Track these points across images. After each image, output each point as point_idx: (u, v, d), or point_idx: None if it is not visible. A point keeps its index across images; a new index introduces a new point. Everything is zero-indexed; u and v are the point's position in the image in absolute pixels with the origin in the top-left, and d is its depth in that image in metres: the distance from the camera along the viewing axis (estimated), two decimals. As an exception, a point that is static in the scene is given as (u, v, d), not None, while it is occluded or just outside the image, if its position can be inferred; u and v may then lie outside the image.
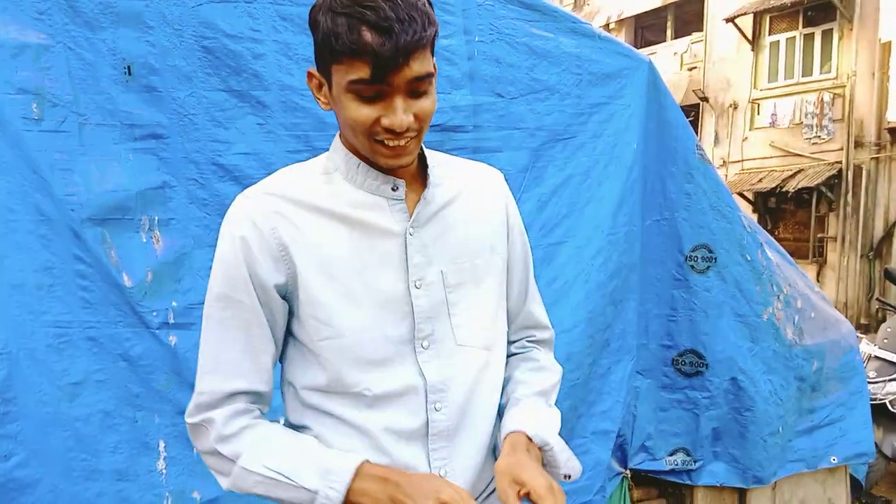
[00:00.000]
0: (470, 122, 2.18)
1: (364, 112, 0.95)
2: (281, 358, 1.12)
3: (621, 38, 19.08)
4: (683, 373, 2.73)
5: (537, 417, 1.14)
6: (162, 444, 1.72)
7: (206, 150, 1.81)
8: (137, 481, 1.67)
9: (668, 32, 18.00)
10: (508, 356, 1.28)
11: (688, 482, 2.80)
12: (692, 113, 16.21)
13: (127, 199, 1.70)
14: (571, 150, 2.38)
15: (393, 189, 1.06)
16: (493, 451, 1.18)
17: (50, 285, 1.60)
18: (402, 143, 0.98)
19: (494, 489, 1.16)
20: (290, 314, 1.06)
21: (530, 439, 1.09)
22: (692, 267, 2.66)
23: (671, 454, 2.77)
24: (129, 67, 1.72)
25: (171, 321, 1.74)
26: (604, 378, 2.52)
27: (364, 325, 1.03)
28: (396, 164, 1.01)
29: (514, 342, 1.31)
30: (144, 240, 1.73)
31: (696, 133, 15.97)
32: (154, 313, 1.72)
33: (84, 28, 1.66)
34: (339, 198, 1.05)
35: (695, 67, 16.37)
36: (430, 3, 0.99)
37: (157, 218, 1.75)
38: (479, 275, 1.14)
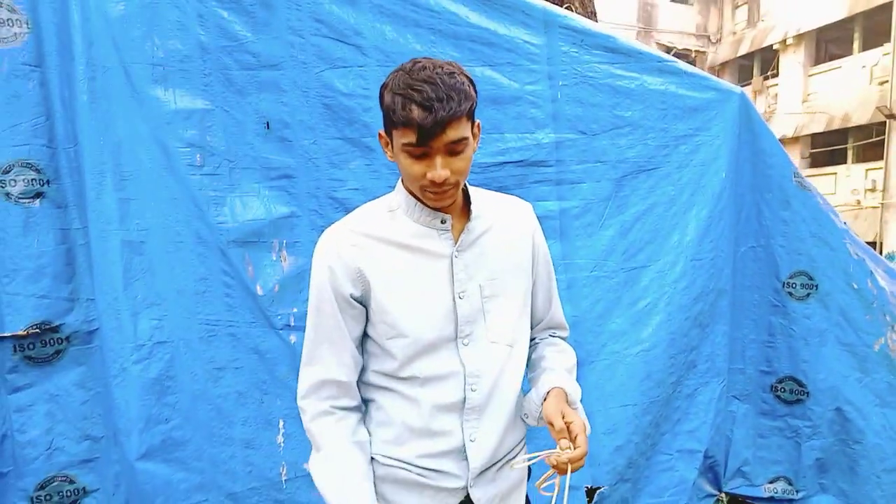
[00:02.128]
0: (552, 157, 2.42)
1: (415, 168, 1.26)
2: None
3: (800, 53, 17.85)
4: (783, 400, 2.73)
5: (570, 384, 1.41)
6: (281, 423, 2.14)
7: (324, 186, 2.23)
8: (261, 450, 2.10)
9: (856, 45, 16.59)
10: (535, 343, 1.58)
11: (791, 512, 2.77)
12: (880, 131, 14.79)
13: (262, 226, 2.15)
14: (656, 180, 2.54)
15: (442, 222, 1.37)
16: (514, 425, 1.44)
17: (203, 292, 2.08)
18: (442, 190, 1.27)
19: (516, 454, 1.45)
20: (366, 320, 1.40)
21: (566, 396, 1.36)
22: (790, 294, 2.67)
23: (771, 482, 2.77)
24: (267, 123, 2.18)
25: (292, 324, 2.17)
26: (690, 398, 2.60)
27: (421, 326, 1.34)
28: (440, 205, 1.32)
29: (538, 336, 1.57)
30: (274, 258, 2.18)
31: (884, 154, 14.52)
32: (279, 317, 2.15)
33: (236, 94, 2.15)
34: (401, 230, 1.37)
35: (887, 81, 14.93)
36: (471, 80, 1.29)
37: (285, 241, 2.19)
38: (508, 288, 1.43)
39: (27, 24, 1.92)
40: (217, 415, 2.06)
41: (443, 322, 1.36)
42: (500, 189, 2.37)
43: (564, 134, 2.44)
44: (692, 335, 2.56)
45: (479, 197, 1.46)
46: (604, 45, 2.47)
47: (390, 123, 1.27)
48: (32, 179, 1.91)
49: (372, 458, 1.40)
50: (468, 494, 1.38)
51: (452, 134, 1.22)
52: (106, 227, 1.96)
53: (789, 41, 17.88)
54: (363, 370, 1.43)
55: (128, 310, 1.96)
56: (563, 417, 1.27)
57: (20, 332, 1.89)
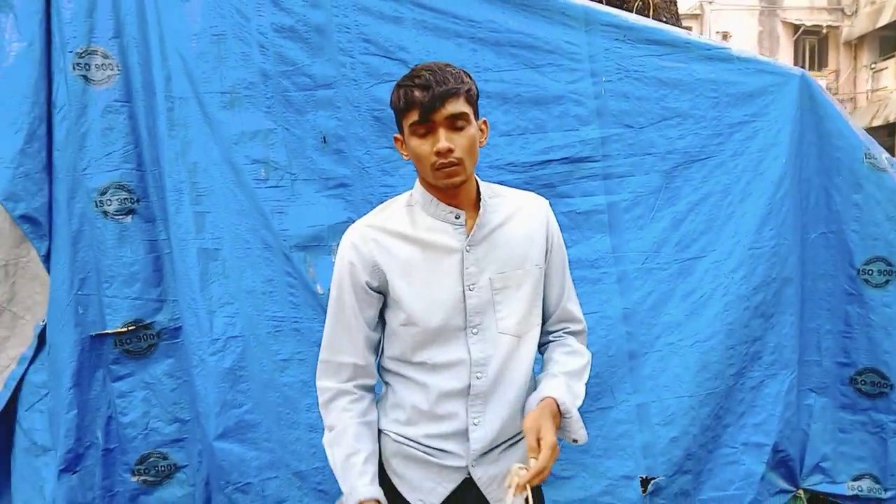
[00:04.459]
0: (598, 153, 2.46)
1: (423, 147, 1.41)
2: None
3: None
4: (864, 393, 2.59)
5: (566, 392, 1.48)
6: (342, 410, 2.35)
7: (377, 193, 2.40)
8: (323, 433, 2.30)
9: None
10: (547, 342, 1.64)
11: (879, 512, 2.61)
12: None
13: (321, 231, 2.37)
14: (709, 170, 2.50)
15: (456, 217, 1.50)
16: (522, 411, 1.52)
17: (270, 292, 2.32)
18: (448, 161, 1.39)
19: (518, 440, 1.54)
20: (385, 305, 1.55)
21: (558, 406, 1.44)
22: (866, 281, 2.54)
23: (855, 479, 2.63)
24: (324, 137, 2.40)
25: (350, 319, 2.36)
26: (756, 391, 2.53)
27: (431, 316, 1.48)
28: (450, 182, 1.42)
29: (553, 332, 1.64)
30: (333, 260, 2.36)
31: None
32: (338, 313, 2.36)
33: (295, 114, 2.38)
34: (416, 225, 1.50)
35: None
36: (469, 76, 1.45)
37: (342, 244, 2.40)
38: (519, 281, 1.53)
39: (117, 67, 2.25)
40: (284, 401, 2.30)
41: (452, 312, 1.47)
42: (545, 186, 2.46)
43: (610, 129, 2.47)
44: (754, 326, 2.49)
45: (493, 192, 1.56)
46: (649, 38, 2.48)
47: (399, 114, 1.43)
48: (125, 199, 2.24)
49: (386, 435, 1.54)
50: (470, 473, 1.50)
51: (451, 108, 1.37)
52: (185, 237, 2.25)
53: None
54: (381, 355, 1.58)
55: (204, 309, 2.24)
56: (538, 434, 1.34)
57: (119, 329, 2.21)
